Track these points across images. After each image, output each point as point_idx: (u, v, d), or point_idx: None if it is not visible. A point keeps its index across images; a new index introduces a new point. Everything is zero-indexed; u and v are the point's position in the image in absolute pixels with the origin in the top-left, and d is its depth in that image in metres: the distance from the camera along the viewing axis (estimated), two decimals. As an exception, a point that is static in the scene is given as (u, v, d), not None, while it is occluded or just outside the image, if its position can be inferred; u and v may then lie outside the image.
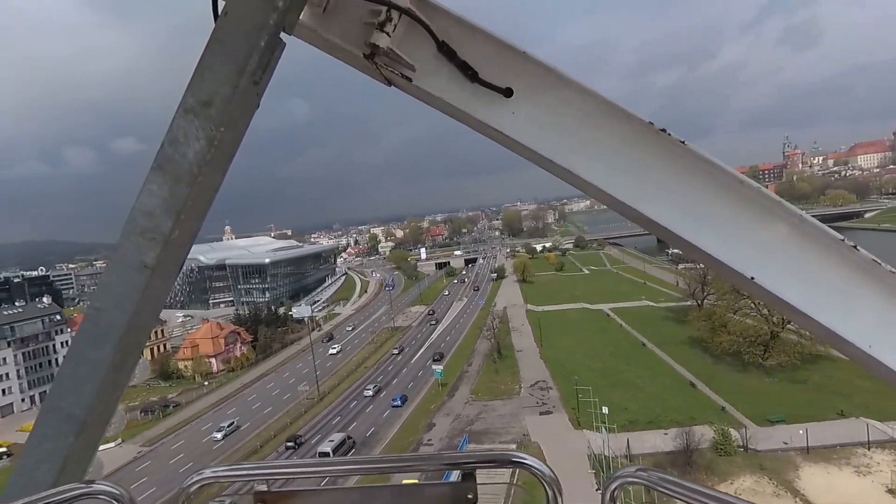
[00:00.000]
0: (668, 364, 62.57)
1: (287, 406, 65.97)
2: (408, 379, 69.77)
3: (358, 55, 1.84)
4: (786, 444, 40.35)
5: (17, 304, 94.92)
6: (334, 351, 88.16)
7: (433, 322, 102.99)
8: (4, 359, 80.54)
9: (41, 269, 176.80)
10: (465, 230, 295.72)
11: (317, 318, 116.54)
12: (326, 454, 45.01)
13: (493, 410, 54.13)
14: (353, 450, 49.38)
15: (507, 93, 1.79)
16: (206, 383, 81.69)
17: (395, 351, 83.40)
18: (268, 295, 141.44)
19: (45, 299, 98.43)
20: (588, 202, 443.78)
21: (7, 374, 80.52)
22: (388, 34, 1.76)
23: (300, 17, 1.85)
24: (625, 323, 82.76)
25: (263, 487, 1.51)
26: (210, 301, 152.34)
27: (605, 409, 44.25)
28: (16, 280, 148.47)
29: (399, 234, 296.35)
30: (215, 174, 1.87)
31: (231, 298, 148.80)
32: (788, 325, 53.75)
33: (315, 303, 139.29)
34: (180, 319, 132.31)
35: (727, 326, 61.98)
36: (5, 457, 63.19)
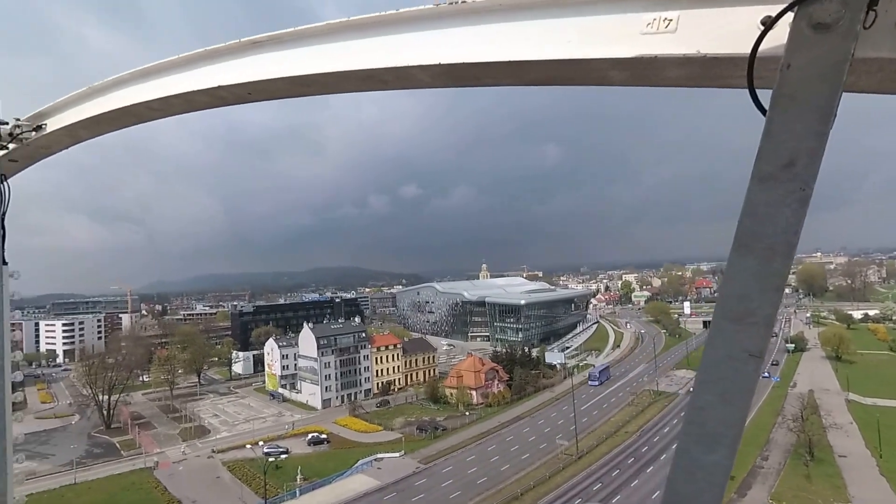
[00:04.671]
0: None
1: (543, 457, 64.96)
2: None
3: None
4: None
5: (339, 320, 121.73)
6: None
7: None
8: (329, 363, 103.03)
9: (353, 293, 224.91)
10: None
11: (568, 366, 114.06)
12: None
13: (810, 533, 41.79)
14: None
15: None
16: (466, 413, 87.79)
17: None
18: (520, 335, 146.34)
19: (356, 319, 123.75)
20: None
21: (330, 375, 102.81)
22: None
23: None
24: None
25: None
26: (469, 333, 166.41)
27: None
28: (337, 300, 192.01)
29: (656, 282, 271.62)
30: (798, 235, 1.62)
31: (486, 333, 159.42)
32: None
33: (566, 349, 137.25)
34: (445, 347, 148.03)
35: None
36: (325, 442, 78.39)
